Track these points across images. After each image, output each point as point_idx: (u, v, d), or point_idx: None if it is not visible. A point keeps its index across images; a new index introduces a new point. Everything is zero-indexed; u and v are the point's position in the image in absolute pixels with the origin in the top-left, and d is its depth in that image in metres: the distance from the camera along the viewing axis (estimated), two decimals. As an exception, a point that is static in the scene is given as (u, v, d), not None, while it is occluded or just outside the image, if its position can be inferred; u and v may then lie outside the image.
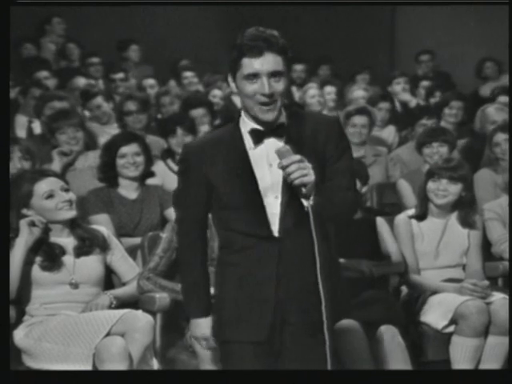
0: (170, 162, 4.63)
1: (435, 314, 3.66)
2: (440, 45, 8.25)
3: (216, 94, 6.39)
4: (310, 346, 2.37)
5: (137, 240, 3.78)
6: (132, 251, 3.68)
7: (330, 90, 6.47)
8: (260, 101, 2.31)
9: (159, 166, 4.55)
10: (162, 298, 3.36)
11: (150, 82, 6.41)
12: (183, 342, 3.39)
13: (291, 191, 2.30)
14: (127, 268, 3.48)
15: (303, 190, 2.25)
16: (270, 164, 2.36)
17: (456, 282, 3.73)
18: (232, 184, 2.36)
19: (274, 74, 2.30)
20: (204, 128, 5.17)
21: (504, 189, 4.10)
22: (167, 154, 4.66)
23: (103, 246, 3.39)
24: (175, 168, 4.61)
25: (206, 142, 2.44)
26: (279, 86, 2.31)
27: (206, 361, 3.24)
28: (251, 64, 2.29)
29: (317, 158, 2.32)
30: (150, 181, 4.19)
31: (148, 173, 4.11)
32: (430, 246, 3.83)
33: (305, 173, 2.24)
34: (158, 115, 5.84)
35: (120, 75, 6.66)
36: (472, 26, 8.52)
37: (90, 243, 3.34)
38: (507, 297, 3.68)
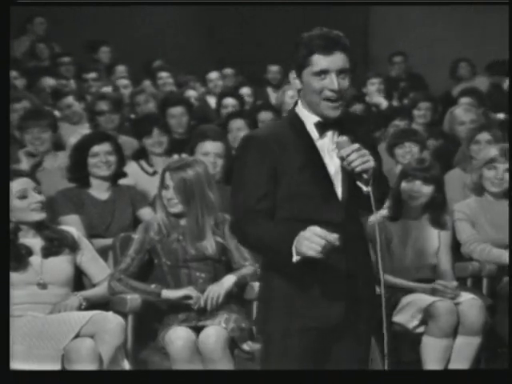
0: (143, 162, 4.61)
1: (406, 315, 3.69)
2: (413, 46, 8.32)
3: (190, 95, 6.39)
4: (359, 341, 2.48)
5: (108, 241, 3.76)
6: (103, 252, 3.67)
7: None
8: (327, 96, 2.42)
9: (132, 167, 4.53)
10: (133, 299, 3.36)
11: (124, 82, 6.38)
12: (156, 343, 3.38)
13: (350, 180, 2.43)
14: (98, 269, 3.47)
15: (365, 175, 2.37)
16: (330, 155, 2.47)
17: (426, 282, 3.75)
18: (302, 173, 2.44)
19: (341, 72, 2.42)
20: (181, 128, 5.17)
21: (472, 189, 4.13)
22: (140, 154, 4.64)
23: (73, 247, 3.38)
24: (149, 169, 4.60)
25: (269, 134, 2.49)
26: (345, 83, 2.44)
27: (179, 362, 3.25)
28: (322, 61, 2.40)
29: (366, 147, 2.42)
30: (123, 181, 4.18)
31: (120, 173, 4.10)
32: (402, 246, 3.85)
33: (365, 159, 2.36)
34: (132, 115, 5.82)
35: (92, 75, 6.63)
36: (444, 27, 8.60)
37: (58, 244, 3.33)
38: (476, 297, 3.71)
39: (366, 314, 2.50)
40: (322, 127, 2.46)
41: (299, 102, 2.50)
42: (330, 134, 2.47)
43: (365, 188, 2.39)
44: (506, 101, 6.80)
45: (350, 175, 2.42)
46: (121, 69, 7.07)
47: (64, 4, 6.53)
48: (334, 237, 2.29)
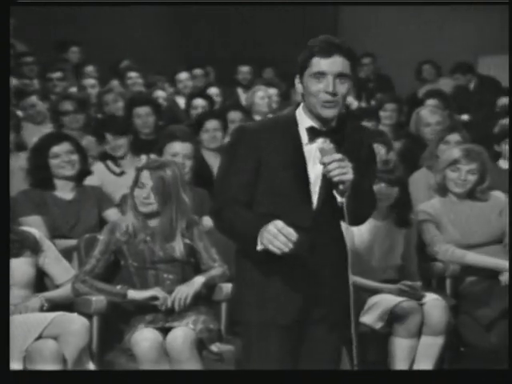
0: (109, 162, 4.57)
1: (373, 315, 3.71)
2: (382, 47, 8.37)
3: (159, 95, 6.37)
4: (332, 341, 2.51)
5: (73, 242, 3.73)
6: (67, 253, 3.64)
7: (273, 91, 6.53)
8: (323, 99, 2.45)
9: (98, 167, 4.51)
10: (98, 300, 3.35)
11: (91, 81, 6.34)
12: (122, 344, 3.37)
13: (328, 188, 2.46)
14: (61, 270, 3.45)
15: (341, 186, 2.41)
16: (313, 161, 2.50)
17: (393, 283, 3.78)
18: (284, 172, 2.48)
19: (340, 76, 2.45)
20: (147, 128, 5.14)
21: (436, 190, 4.16)
22: (106, 154, 4.60)
23: (34, 248, 3.36)
24: (116, 169, 4.57)
25: (261, 128, 2.55)
26: (343, 87, 2.46)
27: (146, 363, 3.23)
28: (320, 63, 2.44)
29: (353, 159, 2.44)
30: (88, 182, 4.15)
31: (84, 171, 4.07)
32: (369, 247, 3.88)
33: (344, 171, 2.39)
34: (98, 115, 5.79)
35: (57, 74, 6.57)
36: (412, 28, 8.67)
37: (19, 245, 3.30)
38: (439, 298, 3.75)
39: (334, 315, 2.52)
40: (314, 133, 2.50)
41: (301, 105, 2.54)
42: (320, 140, 2.49)
43: (339, 198, 2.42)
44: (469, 102, 6.91)
45: (328, 183, 2.45)
46: (89, 69, 7.03)
47: (64, 4, 6.47)
48: (294, 235, 2.32)
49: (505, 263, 3.93)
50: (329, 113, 2.47)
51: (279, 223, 2.34)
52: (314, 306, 2.50)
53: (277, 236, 2.32)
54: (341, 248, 2.55)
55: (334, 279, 2.52)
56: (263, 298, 2.50)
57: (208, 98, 6.05)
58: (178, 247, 3.44)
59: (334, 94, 2.44)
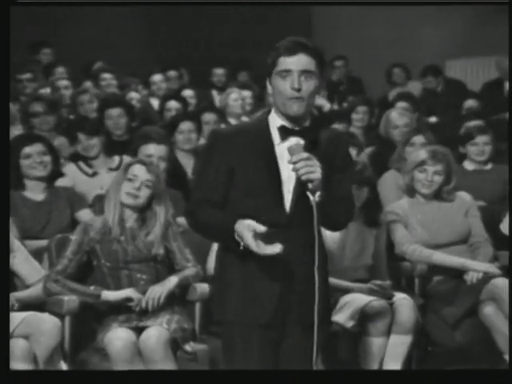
0: (81, 163, 4.56)
1: (345, 314, 3.73)
2: (354, 49, 8.42)
3: (133, 97, 6.36)
4: (305, 339, 2.52)
5: (43, 242, 3.71)
6: (38, 254, 3.63)
7: (247, 94, 6.56)
8: (289, 95, 2.48)
9: (70, 168, 4.50)
10: (70, 300, 3.34)
11: (64, 82, 6.30)
12: (95, 344, 3.37)
13: (301, 188, 2.48)
14: (31, 270, 3.44)
15: (309, 185, 2.43)
16: (286, 159, 2.51)
17: (363, 282, 3.82)
18: (256, 172, 2.52)
19: (305, 72, 2.48)
20: (119, 130, 5.14)
21: (405, 190, 4.21)
22: (78, 156, 4.59)
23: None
24: (88, 170, 4.56)
25: (234, 132, 2.60)
26: (309, 84, 2.49)
27: (120, 363, 3.24)
28: (285, 62, 2.49)
29: (327, 164, 2.47)
30: (60, 183, 4.15)
31: (56, 172, 4.06)
32: (341, 247, 3.90)
33: (312, 170, 2.41)
34: (71, 116, 5.77)
35: (27, 76, 6.52)
36: (382, 31, 8.72)
37: None
38: (407, 297, 3.78)
39: (306, 315, 2.53)
40: (285, 132, 2.53)
41: (272, 108, 2.58)
42: (293, 140, 2.52)
43: (311, 197, 2.45)
44: (437, 105, 6.99)
45: (301, 183, 2.48)
46: (60, 70, 6.99)
47: (64, 4, 6.42)
48: (261, 229, 2.38)
49: (470, 262, 3.99)
50: (295, 108, 2.50)
51: (245, 221, 2.39)
52: (293, 305, 2.53)
53: (241, 229, 2.38)
54: (319, 247, 2.55)
55: (311, 278, 2.52)
56: (244, 298, 2.52)
57: (182, 100, 6.06)
58: (157, 245, 3.46)
59: (298, 90, 2.48)
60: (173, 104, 5.88)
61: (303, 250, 2.52)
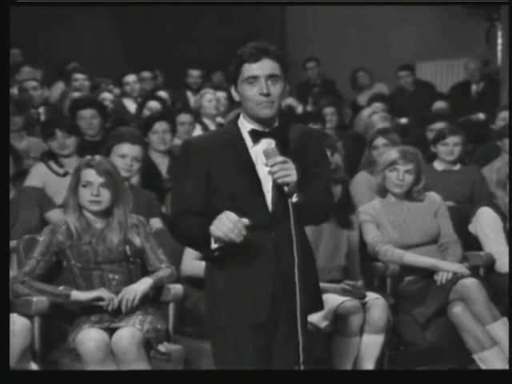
0: (52, 163, 4.53)
1: (318, 314, 3.70)
2: (325, 52, 8.47)
3: (106, 97, 6.33)
4: (291, 340, 2.54)
5: (12, 243, 3.63)
6: (6, 254, 3.60)
7: (222, 95, 6.57)
8: (259, 101, 2.54)
9: (40, 168, 4.47)
10: (39, 301, 3.32)
11: (33, 83, 6.25)
12: (66, 344, 3.35)
13: (280, 187, 2.51)
14: None
15: (285, 188, 2.47)
16: (262, 162, 2.55)
17: (337, 282, 3.83)
18: (235, 177, 2.56)
19: (271, 77, 2.55)
20: (92, 130, 5.12)
21: (377, 191, 4.23)
22: (49, 155, 4.56)
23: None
24: (59, 170, 4.53)
25: (207, 139, 2.65)
26: (276, 88, 2.56)
27: (92, 363, 3.22)
28: (251, 68, 2.54)
29: (300, 161, 2.52)
30: (30, 182, 4.11)
31: (19, 172, 4.03)
32: (315, 248, 3.90)
33: (287, 173, 2.46)
34: (42, 117, 5.72)
35: None
36: (352, 34, 8.78)
37: None
38: (379, 297, 3.79)
39: (290, 314, 2.55)
40: (256, 135, 2.58)
41: (241, 114, 2.63)
42: (265, 142, 2.57)
43: (288, 200, 2.49)
44: (408, 106, 7.06)
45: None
46: (27, 70, 6.93)
47: (64, 4, 6.37)
48: (244, 221, 2.41)
49: (440, 263, 4.01)
50: (266, 112, 2.56)
51: (227, 212, 2.42)
52: (283, 304, 2.56)
53: (224, 222, 2.41)
54: (303, 245, 2.59)
55: (290, 278, 2.54)
56: (236, 301, 2.55)
57: (161, 100, 6.07)
58: (125, 246, 3.44)
59: (268, 95, 2.53)
60: (152, 104, 5.89)
61: (290, 247, 2.54)
